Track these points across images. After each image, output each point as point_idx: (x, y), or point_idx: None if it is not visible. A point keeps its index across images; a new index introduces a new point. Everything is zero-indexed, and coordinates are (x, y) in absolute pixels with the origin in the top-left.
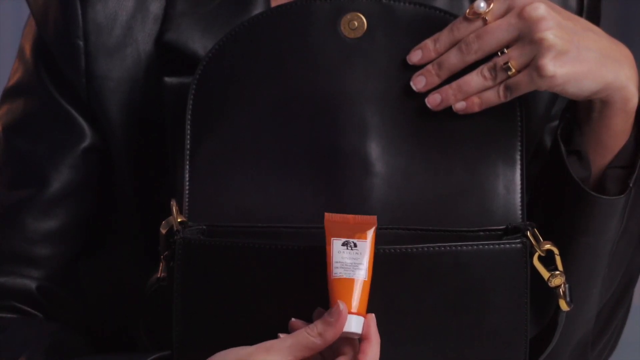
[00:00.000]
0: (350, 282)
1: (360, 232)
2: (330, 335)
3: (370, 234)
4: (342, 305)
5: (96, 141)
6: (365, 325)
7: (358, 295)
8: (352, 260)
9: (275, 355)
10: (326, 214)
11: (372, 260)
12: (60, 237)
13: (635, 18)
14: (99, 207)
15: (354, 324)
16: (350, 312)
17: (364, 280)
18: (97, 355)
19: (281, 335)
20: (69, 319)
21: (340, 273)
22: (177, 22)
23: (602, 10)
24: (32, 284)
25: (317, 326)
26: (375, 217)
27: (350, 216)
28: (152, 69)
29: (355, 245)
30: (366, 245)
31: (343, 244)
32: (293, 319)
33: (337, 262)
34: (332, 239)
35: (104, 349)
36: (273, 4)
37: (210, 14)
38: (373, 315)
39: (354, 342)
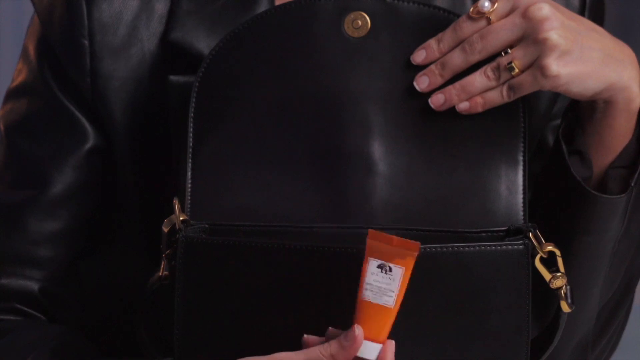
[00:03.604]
0: (377, 307)
1: (399, 257)
2: (342, 358)
3: (408, 261)
4: (358, 331)
5: (99, 142)
6: (383, 351)
7: (381, 322)
8: (384, 285)
9: None
10: (370, 230)
11: (404, 287)
12: (62, 238)
13: (635, 18)
14: (101, 207)
15: (370, 350)
16: (369, 339)
17: (391, 308)
18: (101, 359)
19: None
20: (70, 320)
21: (368, 296)
22: (182, 21)
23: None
24: (35, 286)
25: (332, 347)
26: (418, 243)
27: (394, 238)
28: (157, 69)
29: (390, 270)
30: (401, 272)
31: (379, 266)
32: (305, 336)
33: (368, 283)
34: (369, 258)
35: (105, 350)
36: (277, 2)
37: (216, 12)
38: (393, 342)
39: None
